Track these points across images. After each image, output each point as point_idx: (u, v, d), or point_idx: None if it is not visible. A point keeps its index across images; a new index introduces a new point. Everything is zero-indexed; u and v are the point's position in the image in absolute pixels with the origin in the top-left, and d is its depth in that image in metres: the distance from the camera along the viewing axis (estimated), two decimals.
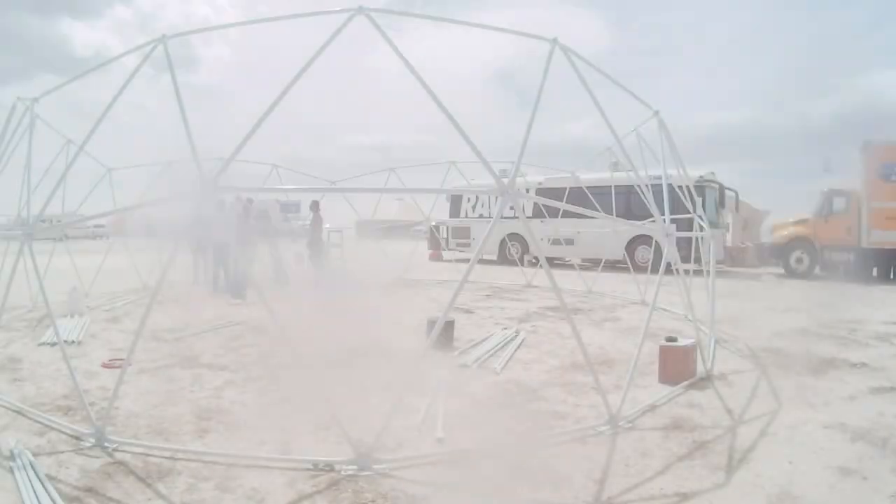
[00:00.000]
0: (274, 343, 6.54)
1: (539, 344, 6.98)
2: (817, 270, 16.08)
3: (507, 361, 6.05)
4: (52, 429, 4.02)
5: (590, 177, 14.55)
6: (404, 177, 14.39)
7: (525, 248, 18.67)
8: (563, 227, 15.62)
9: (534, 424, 4.25)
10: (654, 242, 15.69)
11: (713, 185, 16.86)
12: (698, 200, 8.92)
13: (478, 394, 5.00)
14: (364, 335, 6.57)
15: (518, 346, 6.75)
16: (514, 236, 18.49)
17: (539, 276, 13.87)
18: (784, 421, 4.28)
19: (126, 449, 3.67)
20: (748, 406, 4.65)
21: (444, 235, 21.40)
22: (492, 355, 6.30)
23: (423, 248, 20.73)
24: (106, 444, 3.70)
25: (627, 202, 14.72)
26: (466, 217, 21.03)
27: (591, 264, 16.61)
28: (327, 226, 17.29)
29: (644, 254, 16.50)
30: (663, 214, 5.66)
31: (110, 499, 3.06)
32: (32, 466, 3.32)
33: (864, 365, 5.99)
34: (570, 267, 15.64)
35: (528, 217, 13.36)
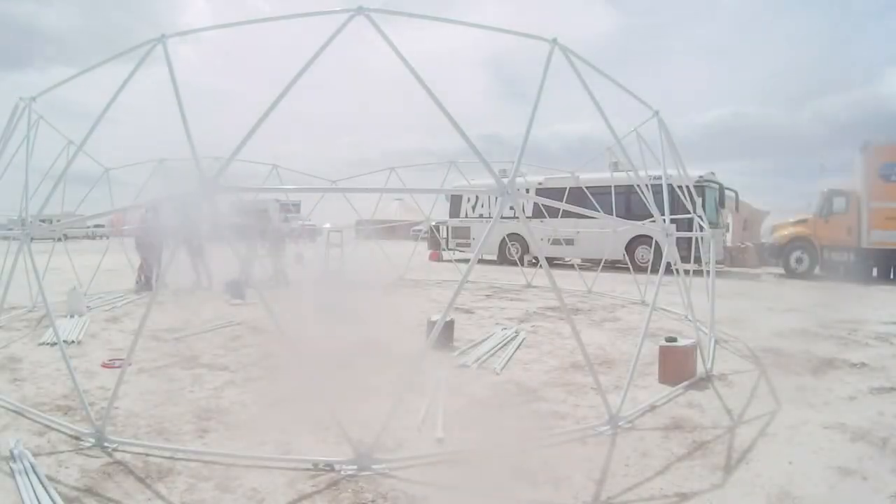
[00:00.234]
0: (274, 343, 6.56)
1: (539, 344, 6.99)
2: (817, 270, 16.09)
3: (507, 361, 6.04)
4: (52, 429, 4.01)
5: (589, 177, 14.56)
6: (404, 176, 14.42)
7: (525, 248, 18.68)
8: (563, 227, 15.62)
9: (534, 424, 4.25)
10: (653, 242, 15.71)
11: (713, 184, 16.88)
12: (698, 200, 8.93)
13: (478, 394, 5.00)
14: (364, 335, 6.58)
15: (518, 347, 6.75)
16: (514, 236, 18.50)
17: (539, 276, 13.87)
18: (784, 421, 4.28)
19: (126, 449, 3.66)
20: (748, 406, 4.65)
21: (444, 235, 21.42)
22: (492, 355, 6.30)
23: (423, 248, 20.72)
24: (106, 445, 3.70)
25: (627, 202, 14.74)
26: (466, 217, 21.04)
27: (590, 264, 16.62)
28: (327, 226, 17.30)
29: (644, 254, 16.51)
30: (663, 214, 5.66)
31: (110, 499, 3.06)
32: (32, 466, 3.32)
33: (863, 365, 5.99)
34: (570, 267, 15.64)
35: (528, 217, 13.39)
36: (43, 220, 5.15)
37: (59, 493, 3.06)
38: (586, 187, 13.63)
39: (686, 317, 8.34)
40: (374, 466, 3.40)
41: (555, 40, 4.49)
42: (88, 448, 3.69)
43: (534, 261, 17.62)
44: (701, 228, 7.69)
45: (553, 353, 6.52)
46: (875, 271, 15.27)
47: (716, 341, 6.58)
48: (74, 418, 4.20)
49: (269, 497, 3.09)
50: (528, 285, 13.44)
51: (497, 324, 8.30)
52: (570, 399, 4.83)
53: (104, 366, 5.76)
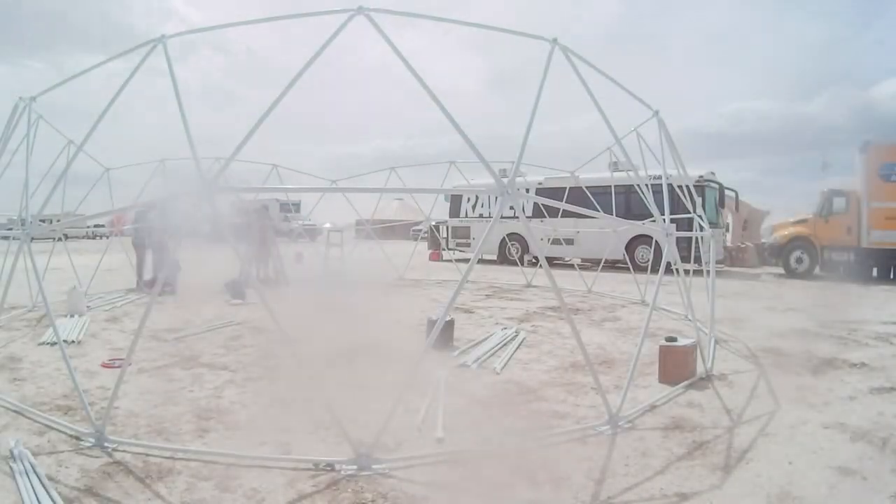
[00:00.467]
0: (273, 343, 6.56)
1: (539, 344, 6.98)
2: (817, 270, 16.08)
3: (507, 361, 6.04)
4: (52, 429, 4.02)
5: (589, 176, 14.56)
6: (404, 176, 14.42)
7: (525, 247, 18.68)
8: (563, 226, 15.62)
9: (533, 424, 4.25)
10: (654, 242, 15.72)
11: (713, 184, 16.87)
12: (698, 200, 8.93)
13: (478, 394, 5.00)
14: (364, 335, 6.58)
15: (518, 346, 6.75)
16: (514, 236, 18.50)
17: (539, 275, 13.87)
18: (784, 421, 4.28)
19: (125, 449, 3.66)
20: (748, 406, 4.65)
21: (444, 235, 21.42)
22: (492, 355, 6.30)
23: (423, 248, 20.72)
24: (105, 445, 3.70)
25: (627, 202, 14.74)
26: (466, 217, 21.04)
27: (590, 264, 16.62)
28: (327, 225, 17.30)
29: (644, 254, 16.51)
30: (663, 214, 5.66)
31: (110, 499, 3.06)
32: (32, 466, 3.32)
33: (863, 365, 5.99)
34: (570, 267, 15.64)
35: (528, 217, 13.39)
36: (42, 220, 5.15)
37: (59, 493, 3.06)
38: (586, 187, 13.63)
39: (686, 316, 8.35)
40: (374, 466, 3.40)
41: (555, 40, 4.49)
42: (88, 448, 3.69)
43: (534, 260, 17.62)
44: (701, 228, 7.70)
45: (553, 352, 6.52)
46: (875, 271, 15.26)
47: (716, 341, 6.58)
48: (74, 418, 4.20)
49: (268, 497, 3.10)
50: (528, 285, 13.44)
51: (497, 323, 8.30)
52: (569, 399, 4.83)
53: (104, 366, 5.76)
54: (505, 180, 3.86)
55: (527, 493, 3.20)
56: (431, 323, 6.73)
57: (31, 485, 3.11)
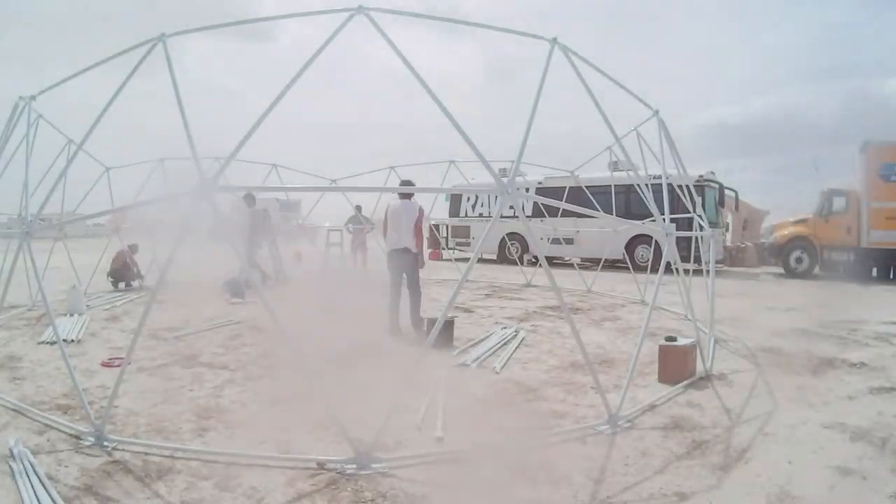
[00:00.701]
0: (273, 342, 6.56)
1: (539, 343, 6.99)
2: (817, 270, 16.09)
3: (507, 361, 6.04)
4: (52, 428, 4.02)
5: (589, 176, 14.56)
6: (404, 175, 14.39)
7: (525, 247, 18.69)
8: (563, 226, 15.63)
9: (533, 424, 4.25)
10: (653, 242, 15.72)
11: (713, 184, 16.88)
12: (698, 200, 8.93)
13: (477, 393, 5.00)
14: (363, 334, 6.58)
15: (518, 346, 6.75)
16: (514, 235, 18.51)
17: (539, 275, 13.88)
18: (783, 421, 4.28)
19: (125, 448, 3.66)
20: (747, 406, 4.65)
21: (444, 235, 21.43)
22: (491, 354, 6.30)
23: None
24: (105, 444, 3.70)
25: (627, 202, 14.75)
26: (466, 216, 21.05)
27: (590, 264, 16.63)
28: (326, 225, 17.27)
29: (644, 253, 16.52)
30: (663, 214, 5.65)
31: (109, 498, 3.06)
32: (32, 465, 3.32)
33: (863, 365, 5.99)
34: (570, 266, 15.65)
35: (527, 217, 13.38)
36: (42, 220, 5.15)
37: (59, 492, 3.06)
38: (586, 187, 13.64)
39: (686, 316, 8.35)
40: (373, 465, 3.40)
41: (555, 39, 4.48)
42: (88, 447, 3.69)
43: (533, 260, 17.63)
44: (700, 228, 7.69)
45: (552, 352, 6.52)
46: (875, 271, 15.27)
47: (715, 341, 6.58)
48: (74, 417, 4.21)
49: (268, 496, 3.10)
50: (528, 284, 13.44)
51: (497, 323, 8.31)
52: (569, 398, 4.83)
53: (104, 365, 5.76)
54: (505, 180, 3.86)
55: (526, 493, 3.20)
56: (430, 322, 6.74)
57: (31, 484, 3.11)
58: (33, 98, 6.17)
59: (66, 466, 3.42)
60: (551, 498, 3.15)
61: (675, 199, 7.30)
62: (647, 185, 7.05)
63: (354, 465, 3.40)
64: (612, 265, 15.93)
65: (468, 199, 21.07)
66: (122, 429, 4.01)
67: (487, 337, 7.14)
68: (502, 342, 6.86)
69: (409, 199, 7.41)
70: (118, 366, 5.69)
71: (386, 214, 7.52)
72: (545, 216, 15.46)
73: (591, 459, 3.59)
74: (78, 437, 3.82)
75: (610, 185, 13.12)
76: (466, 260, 17.58)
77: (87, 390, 4.57)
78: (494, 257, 19.57)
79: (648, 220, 6.64)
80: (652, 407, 4.57)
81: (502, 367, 5.79)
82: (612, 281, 13.45)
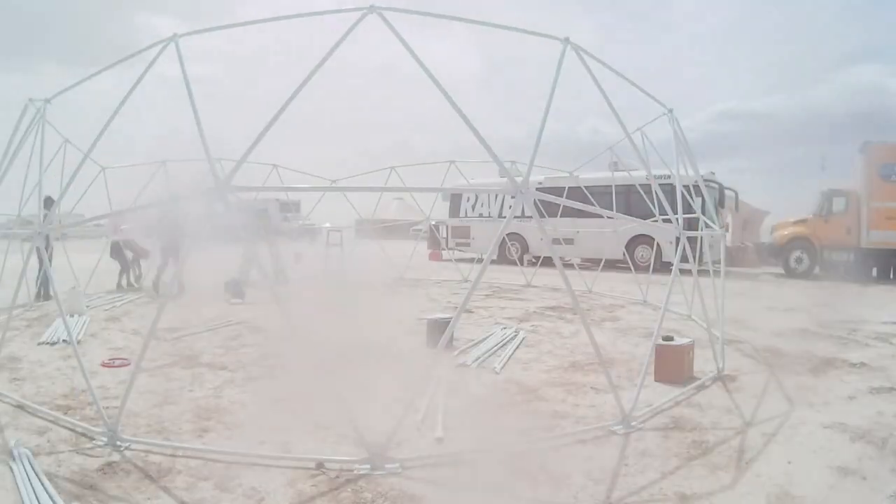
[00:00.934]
0: (274, 342, 6.56)
1: (539, 344, 6.98)
2: (817, 270, 16.08)
3: (507, 361, 6.04)
4: (52, 428, 4.02)
5: (589, 176, 14.56)
6: (404, 176, 14.41)
7: (525, 247, 18.68)
8: (562, 226, 15.62)
9: (533, 424, 4.25)
10: (654, 243, 15.72)
11: (713, 184, 16.87)
12: (698, 200, 8.91)
13: (477, 393, 5.00)
14: (363, 335, 6.57)
15: (518, 346, 6.75)
16: (514, 236, 18.49)
17: (539, 275, 13.88)
18: (783, 421, 4.28)
19: (125, 448, 3.66)
20: (747, 406, 4.65)
21: (444, 235, 21.40)
22: (491, 355, 6.30)
23: (423, 247, 20.71)
24: (118, 443, 3.70)
25: (627, 202, 14.73)
26: (466, 216, 21.03)
27: (590, 264, 16.62)
28: (327, 225, 17.29)
29: (644, 253, 16.52)
30: (675, 214, 5.62)
31: (110, 498, 3.05)
32: (32, 465, 3.32)
33: (863, 365, 5.99)
34: (570, 266, 15.64)
35: (527, 216, 13.37)
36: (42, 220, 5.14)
37: (59, 492, 3.06)
38: (586, 187, 13.63)
39: (690, 316, 8.34)
40: (387, 466, 3.40)
41: (567, 39, 4.46)
42: (88, 447, 3.69)
43: (533, 260, 17.62)
44: (706, 227, 7.65)
45: (553, 352, 6.52)
46: (875, 271, 15.27)
47: (721, 341, 6.56)
48: (74, 417, 4.20)
49: (268, 496, 3.09)
50: (528, 285, 13.43)
51: (497, 323, 8.30)
52: (569, 398, 4.83)
53: (104, 365, 5.76)
54: (519, 179, 3.86)
55: (526, 493, 3.20)
56: (430, 323, 6.74)
57: (31, 484, 3.10)
58: (48, 102, 6.13)
59: (66, 466, 3.42)
60: (551, 499, 3.15)
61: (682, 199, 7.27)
62: (658, 185, 7.00)
63: (368, 466, 3.40)
64: (613, 265, 15.92)
65: (468, 198, 21.05)
66: (123, 429, 3.99)
67: (487, 337, 7.14)
68: (502, 342, 6.86)
69: None
70: (119, 366, 5.71)
71: None
72: (545, 216, 15.45)
73: (592, 460, 3.59)
74: (89, 437, 3.82)
75: (610, 185, 13.12)
76: (467, 261, 17.59)
77: (86, 391, 4.56)
78: (494, 257, 19.56)
79: (651, 219, 6.62)
80: (660, 409, 4.55)
81: (502, 368, 5.79)
82: (612, 281, 13.44)
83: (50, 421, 4.15)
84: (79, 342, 6.83)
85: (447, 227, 21.40)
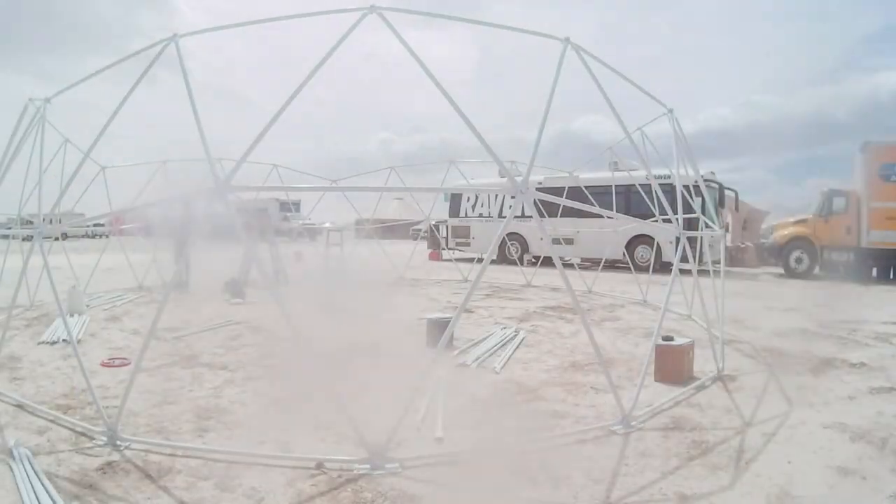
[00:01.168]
0: (274, 342, 6.56)
1: (538, 344, 6.98)
2: (817, 270, 16.09)
3: (507, 361, 6.04)
4: (52, 428, 4.01)
5: (589, 176, 14.57)
6: (404, 176, 14.42)
7: (524, 247, 18.68)
8: (562, 226, 15.63)
9: (533, 424, 4.25)
10: (654, 243, 15.72)
11: (713, 184, 16.88)
12: (698, 200, 8.92)
13: (477, 393, 4.99)
14: (363, 334, 6.57)
15: (517, 346, 6.75)
16: (514, 236, 18.50)
17: (539, 275, 13.89)
18: (783, 421, 4.28)
19: (126, 448, 3.66)
20: (747, 406, 4.65)
21: (444, 235, 21.42)
22: (491, 355, 6.30)
23: (423, 247, 20.72)
24: (118, 443, 3.70)
25: (627, 202, 14.74)
26: (466, 216, 21.04)
27: (589, 264, 16.62)
28: (327, 225, 17.29)
29: (644, 253, 16.53)
30: (675, 214, 5.62)
31: (109, 498, 3.05)
32: (32, 465, 3.32)
33: (863, 365, 5.99)
34: (570, 266, 15.65)
35: (527, 216, 13.39)
36: (42, 220, 5.15)
37: (59, 492, 3.06)
38: (585, 187, 13.64)
39: (689, 316, 8.34)
40: (387, 466, 3.40)
41: (567, 39, 4.46)
42: (88, 447, 3.68)
43: (533, 260, 17.62)
44: (707, 227, 7.66)
45: (552, 352, 6.52)
46: (875, 271, 15.28)
47: (722, 341, 6.56)
48: (75, 417, 4.20)
49: (268, 496, 3.09)
50: (528, 284, 13.44)
51: (497, 323, 8.30)
52: (569, 398, 4.83)
53: (104, 365, 5.76)
54: (519, 179, 3.86)
55: (526, 493, 3.20)
56: (430, 323, 6.74)
57: (31, 484, 3.10)
58: (48, 101, 6.13)
59: (66, 466, 3.42)
60: (551, 499, 3.14)
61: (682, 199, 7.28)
62: (658, 185, 7.00)
63: (368, 466, 3.40)
64: (612, 265, 15.92)
65: (468, 198, 21.06)
66: (123, 429, 3.99)
67: (487, 337, 7.14)
68: (502, 342, 6.86)
69: None
70: (118, 365, 5.72)
71: None
72: (545, 216, 15.47)
73: (592, 460, 3.59)
74: (89, 437, 3.82)
75: (610, 185, 13.13)
76: (467, 260, 17.59)
77: (86, 390, 4.56)
78: (494, 257, 19.57)
79: (651, 219, 6.61)
80: (656, 407, 4.55)
81: (502, 368, 5.79)
82: (612, 281, 13.45)
83: (50, 420, 4.15)
84: (79, 342, 6.84)
85: (447, 226, 21.42)
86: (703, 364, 5.69)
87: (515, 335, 7.30)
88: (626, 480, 3.32)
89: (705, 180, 16.31)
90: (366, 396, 4.59)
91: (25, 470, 3.25)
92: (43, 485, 3.10)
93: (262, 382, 5.22)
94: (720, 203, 17.11)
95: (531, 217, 4.32)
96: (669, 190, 7.34)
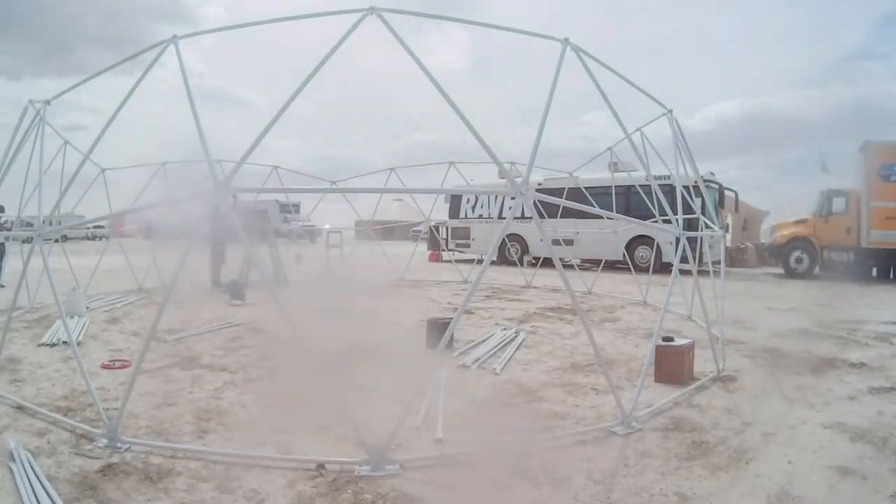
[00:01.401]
0: (274, 344, 6.56)
1: (539, 345, 6.98)
2: (817, 270, 16.09)
3: (507, 362, 6.04)
4: (52, 430, 4.01)
5: (589, 177, 14.57)
6: (403, 177, 14.43)
7: (524, 248, 18.69)
8: (562, 227, 15.64)
9: (533, 425, 4.25)
10: (654, 243, 15.73)
11: (712, 185, 16.89)
12: (698, 201, 8.92)
13: (477, 394, 4.99)
14: (364, 335, 6.58)
15: (518, 347, 6.75)
16: (513, 237, 18.51)
17: (539, 276, 13.89)
18: (783, 421, 4.28)
19: (126, 450, 3.66)
20: (747, 406, 4.65)
21: (444, 236, 21.43)
22: (491, 356, 6.30)
23: (423, 248, 20.74)
24: (118, 445, 3.70)
25: (627, 202, 14.75)
26: (466, 217, 21.05)
27: (589, 265, 16.63)
28: (327, 226, 17.29)
29: (644, 254, 16.53)
30: (675, 215, 5.63)
31: (110, 500, 3.05)
32: (32, 467, 3.32)
33: (863, 365, 5.99)
34: (570, 267, 15.65)
35: (528, 218, 13.40)
36: (43, 222, 5.16)
37: (59, 494, 3.06)
38: (585, 188, 13.65)
39: (689, 316, 8.35)
40: (387, 467, 3.40)
41: (566, 40, 4.46)
42: (88, 449, 3.69)
43: (533, 261, 17.63)
44: (706, 228, 7.66)
45: (553, 353, 6.52)
46: (875, 271, 15.28)
47: (721, 341, 6.57)
48: (75, 419, 4.20)
49: (268, 498, 3.09)
50: (528, 286, 13.44)
51: (497, 324, 8.30)
52: (569, 399, 4.83)
53: (104, 366, 5.76)
54: (519, 180, 3.86)
55: (526, 493, 3.20)
56: (430, 324, 6.74)
57: (31, 486, 3.10)
58: (48, 103, 6.13)
59: (66, 468, 3.42)
60: (551, 499, 3.14)
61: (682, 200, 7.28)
62: (657, 186, 7.01)
63: (368, 467, 3.39)
64: (612, 266, 15.93)
65: (468, 199, 21.08)
66: (123, 431, 3.99)
67: (487, 338, 7.14)
68: (502, 343, 6.86)
69: None
70: (119, 367, 5.72)
71: None
72: (544, 217, 15.48)
73: (592, 460, 3.59)
74: (90, 439, 3.81)
75: (610, 186, 13.14)
76: (467, 261, 17.60)
77: (87, 392, 4.57)
78: (494, 258, 19.58)
79: (651, 220, 6.61)
80: (659, 409, 4.55)
81: (502, 369, 5.78)
82: (612, 282, 13.46)
83: (50, 422, 4.15)
84: (79, 343, 6.84)
85: (447, 228, 21.43)
86: (703, 364, 5.69)
87: (515, 336, 7.30)
88: (626, 481, 3.32)
89: (705, 181, 16.40)
90: (366, 398, 4.59)
91: (26, 472, 3.25)
92: (43, 487, 3.10)
93: (262, 384, 5.23)
94: (720, 203, 17.13)
95: (531, 218, 4.31)
96: (669, 191, 7.35)
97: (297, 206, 22.81)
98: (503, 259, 19.01)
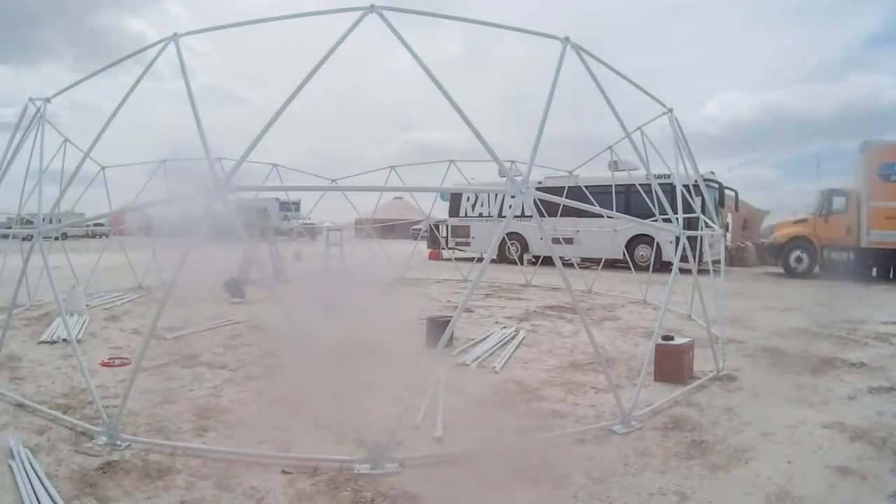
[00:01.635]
0: (273, 341, 6.56)
1: (538, 343, 6.99)
2: (817, 270, 16.09)
3: (507, 360, 6.04)
4: (52, 427, 4.01)
5: (589, 176, 14.57)
6: (404, 175, 14.42)
7: (524, 246, 18.69)
8: (562, 226, 15.64)
9: (533, 423, 4.25)
10: (654, 242, 15.73)
11: (712, 184, 16.88)
12: (698, 200, 8.92)
13: (477, 393, 4.99)
14: (363, 334, 6.57)
15: (517, 346, 6.75)
16: (513, 235, 18.50)
17: (538, 275, 13.89)
18: (783, 421, 4.27)
19: (125, 448, 3.66)
20: (747, 405, 4.65)
21: (444, 234, 21.43)
22: (491, 354, 6.30)
23: (423, 247, 20.73)
24: (118, 442, 3.70)
25: (627, 201, 14.75)
26: (466, 216, 21.05)
27: (589, 264, 16.62)
28: (327, 224, 17.28)
29: (644, 253, 16.53)
30: (675, 213, 5.62)
31: (109, 498, 3.05)
32: (31, 465, 3.32)
33: (863, 365, 5.99)
34: (570, 266, 15.65)
35: (528, 216, 13.39)
36: (43, 220, 5.16)
37: (59, 491, 3.06)
38: (585, 187, 13.65)
39: (689, 316, 8.35)
40: (387, 465, 3.40)
41: (567, 39, 4.46)
42: (88, 447, 3.69)
43: (533, 260, 17.63)
44: (706, 227, 7.66)
45: (552, 352, 6.52)
46: (875, 271, 15.28)
47: (721, 340, 6.57)
48: (75, 416, 4.20)
49: (268, 496, 3.09)
50: (528, 284, 13.44)
51: (497, 323, 8.30)
52: (569, 398, 4.83)
53: (104, 364, 5.76)
54: (519, 179, 3.85)
55: (526, 493, 3.20)
56: (430, 322, 6.74)
57: (31, 483, 3.10)
58: (48, 101, 6.12)
59: (65, 466, 3.42)
60: (552, 498, 3.15)
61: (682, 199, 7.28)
62: (658, 185, 7.01)
63: (368, 465, 3.40)
64: (612, 265, 15.93)
65: (468, 198, 21.07)
66: (123, 428, 3.99)
67: (487, 337, 7.14)
68: (502, 342, 6.86)
69: None
70: (118, 365, 5.72)
71: None
72: (545, 216, 15.48)
73: (591, 459, 3.59)
74: (89, 437, 3.82)
75: (610, 185, 13.14)
76: (466, 260, 17.59)
77: (86, 390, 4.57)
78: (494, 257, 19.58)
79: (651, 219, 6.60)
80: (659, 408, 4.55)
81: (502, 367, 5.78)
82: (612, 281, 13.46)
83: (50, 420, 4.15)
84: (78, 341, 6.84)
85: (447, 226, 21.43)
86: (702, 364, 5.69)
87: (515, 335, 7.30)
88: (625, 480, 3.32)
89: (705, 180, 16.41)
90: (366, 396, 4.59)
91: (25, 469, 3.26)
92: (43, 484, 3.10)
93: (261, 382, 5.23)
94: (720, 203, 17.13)
95: (531, 217, 4.30)
96: (669, 189, 7.35)
97: (297, 204, 22.80)
98: (503, 257, 19.00)
